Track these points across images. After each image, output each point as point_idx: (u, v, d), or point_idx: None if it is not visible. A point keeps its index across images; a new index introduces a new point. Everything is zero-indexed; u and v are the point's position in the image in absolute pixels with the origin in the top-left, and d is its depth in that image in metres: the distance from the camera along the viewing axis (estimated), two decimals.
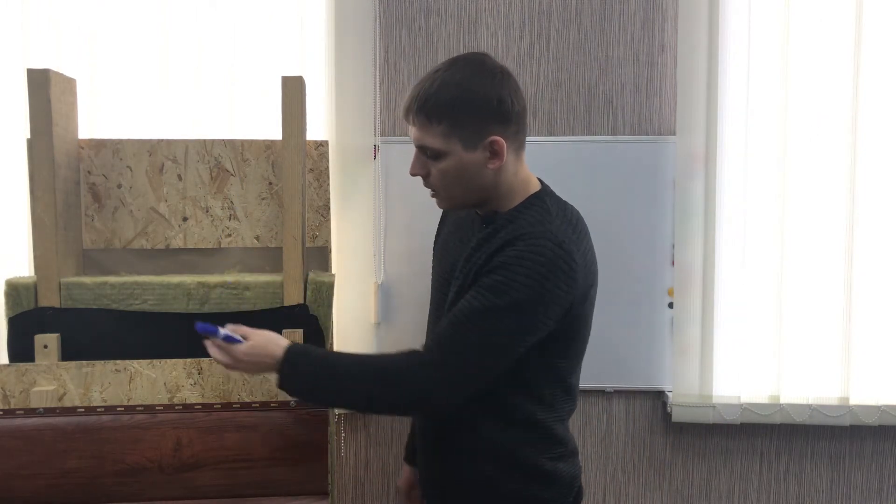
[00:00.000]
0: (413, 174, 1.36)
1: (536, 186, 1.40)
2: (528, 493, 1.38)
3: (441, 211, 1.59)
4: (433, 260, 1.57)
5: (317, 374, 1.29)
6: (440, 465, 1.44)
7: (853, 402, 2.08)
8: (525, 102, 1.37)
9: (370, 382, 1.28)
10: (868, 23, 2.01)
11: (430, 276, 1.58)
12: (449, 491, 1.44)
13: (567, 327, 1.33)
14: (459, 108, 1.28)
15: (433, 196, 1.39)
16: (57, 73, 1.52)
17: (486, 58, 1.35)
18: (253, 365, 1.30)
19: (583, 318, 1.37)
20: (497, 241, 1.31)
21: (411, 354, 1.30)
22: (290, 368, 1.28)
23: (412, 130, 1.33)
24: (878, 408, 2.08)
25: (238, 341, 1.29)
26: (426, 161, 1.33)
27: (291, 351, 1.29)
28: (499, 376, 1.31)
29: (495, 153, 1.31)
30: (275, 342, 1.30)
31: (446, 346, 1.28)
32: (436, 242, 1.59)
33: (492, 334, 1.26)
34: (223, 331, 1.29)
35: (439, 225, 1.61)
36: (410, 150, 2.08)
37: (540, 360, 1.33)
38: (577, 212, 1.41)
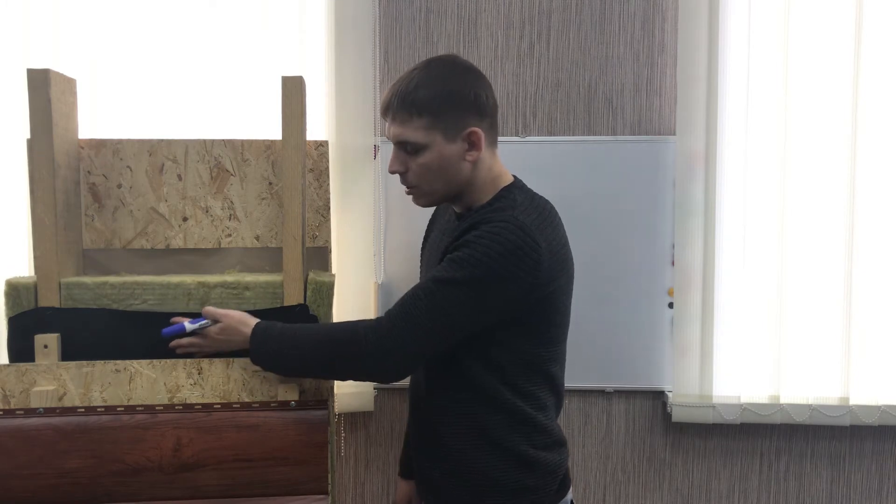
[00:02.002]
0: (392, 171, 1.40)
1: (509, 180, 1.45)
2: (511, 479, 1.41)
3: (431, 214, 1.62)
4: (420, 263, 1.62)
5: (281, 346, 1.39)
6: (430, 459, 1.47)
7: (853, 402, 2.08)
8: (496, 100, 1.43)
9: (326, 349, 1.38)
10: (868, 23, 2.01)
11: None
12: (441, 485, 1.46)
13: (534, 312, 1.36)
14: (440, 102, 1.35)
15: (410, 193, 1.44)
16: (57, 73, 1.52)
17: (457, 57, 1.44)
18: (225, 343, 1.45)
19: (553, 304, 1.39)
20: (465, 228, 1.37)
21: (363, 321, 1.38)
22: (257, 344, 1.40)
23: (391, 128, 1.38)
24: (878, 408, 2.08)
25: (206, 323, 1.45)
26: (405, 157, 1.38)
27: (258, 327, 1.41)
28: (481, 366, 1.37)
29: (473, 144, 1.37)
30: (244, 322, 1.43)
31: (397, 312, 1.34)
32: (423, 247, 1.63)
33: (443, 304, 1.31)
34: (189, 325, 1.45)
35: (427, 230, 1.65)
36: None
37: (513, 347, 1.37)
38: (550, 205, 1.45)
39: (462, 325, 1.33)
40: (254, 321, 1.43)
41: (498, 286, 1.30)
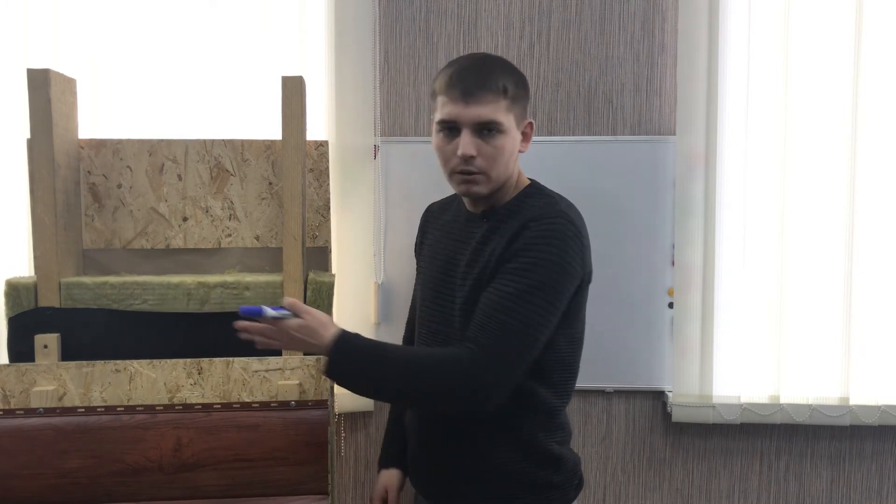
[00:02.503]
0: (469, 154, 1.34)
1: (526, 181, 1.47)
2: (540, 478, 1.42)
3: (418, 219, 1.62)
4: (420, 265, 1.60)
5: (364, 364, 1.31)
6: (455, 461, 1.44)
7: (853, 402, 2.08)
8: None
9: (419, 377, 1.31)
10: (868, 23, 2.01)
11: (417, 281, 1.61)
12: (461, 485, 1.44)
13: (571, 307, 1.38)
14: (519, 88, 1.39)
15: (468, 180, 1.37)
16: (57, 73, 1.52)
17: None
18: (300, 343, 1.31)
19: (584, 300, 1.43)
20: (508, 228, 1.36)
21: (458, 349, 1.31)
22: (338, 356, 1.30)
23: (471, 109, 1.33)
24: (878, 408, 2.08)
25: (287, 314, 1.30)
26: (478, 141, 1.35)
27: (342, 338, 1.31)
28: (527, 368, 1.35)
29: (525, 136, 1.42)
30: (326, 325, 1.32)
31: (489, 336, 1.30)
32: (419, 251, 1.61)
33: (529, 316, 1.30)
34: (269, 311, 1.29)
35: (419, 234, 1.63)
36: (411, 151, 2.10)
37: (554, 345, 1.38)
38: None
39: (547, 331, 1.33)
40: (335, 328, 1.32)
41: (568, 284, 1.34)
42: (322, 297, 1.57)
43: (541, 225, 1.33)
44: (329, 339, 1.30)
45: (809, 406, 2.09)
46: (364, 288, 2.07)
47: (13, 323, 1.50)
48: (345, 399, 2.06)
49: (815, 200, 2.06)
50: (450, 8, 2.09)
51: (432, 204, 1.66)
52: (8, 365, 1.45)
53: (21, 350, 1.49)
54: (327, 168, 1.70)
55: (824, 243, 2.07)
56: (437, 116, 1.39)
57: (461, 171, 1.37)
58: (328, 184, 1.71)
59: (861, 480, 2.18)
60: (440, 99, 1.38)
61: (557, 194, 1.45)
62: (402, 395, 1.38)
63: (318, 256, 1.71)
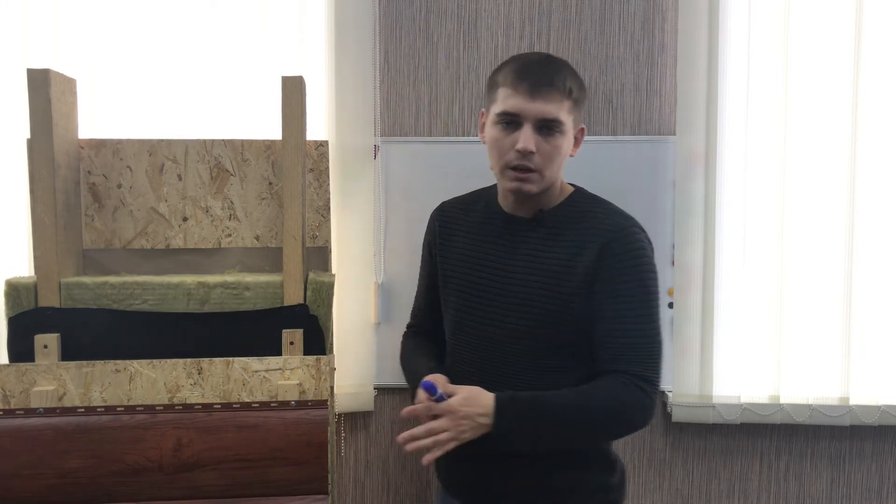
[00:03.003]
0: (529, 149, 1.35)
1: (571, 188, 1.51)
2: (597, 479, 1.46)
3: (427, 220, 1.62)
4: (447, 267, 1.55)
5: (534, 420, 1.34)
6: (516, 468, 1.43)
7: (853, 402, 2.08)
8: None
9: (599, 420, 1.37)
10: (868, 23, 2.01)
11: (432, 280, 1.60)
12: (528, 493, 1.44)
13: None
14: (581, 92, 1.42)
15: (522, 177, 1.39)
16: (57, 73, 1.52)
17: None
18: (466, 419, 1.32)
19: None
20: (573, 238, 1.42)
21: (626, 384, 1.36)
22: (507, 415, 1.33)
23: (535, 104, 1.35)
24: (878, 408, 2.08)
25: (443, 396, 1.35)
26: (538, 138, 1.37)
27: (502, 399, 1.34)
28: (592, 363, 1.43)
29: (577, 141, 1.45)
30: (482, 391, 1.35)
31: (651, 369, 1.39)
32: (438, 251, 1.58)
33: (657, 331, 1.42)
34: (439, 391, 1.34)
35: (436, 234, 1.59)
36: (411, 151, 2.10)
37: None
38: None
39: None
40: (489, 394, 1.35)
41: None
42: (322, 297, 1.56)
43: (628, 240, 1.41)
44: (491, 400, 1.33)
45: (809, 406, 2.09)
46: (364, 288, 2.07)
47: (13, 323, 1.50)
48: (345, 399, 2.06)
49: (815, 200, 2.06)
50: (450, 8, 2.09)
51: (445, 203, 1.64)
52: (8, 365, 1.45)
53: (21, 350, 1.49)
54: (327, 168, 1.70)
55: (824, 243, 2.07)
56: (498, 108, 1.38)
57: (516, 167, 1.37)
58: (328, 184, 1.71)
59: (861, 480, 2.18)
60: (503, 91, 1.37)
61: (603, 199, 1.52)
62: (579, 440, 1.42)
63: (318, 256, 1.71)
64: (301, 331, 1.53)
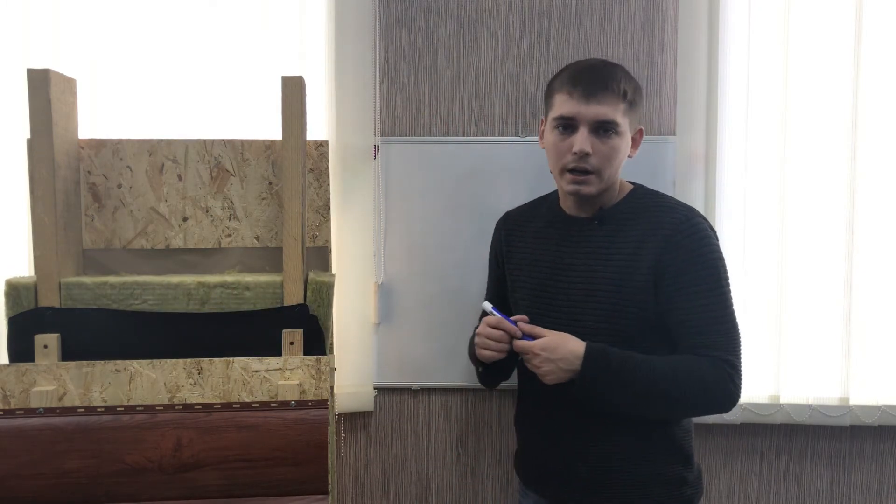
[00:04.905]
0: (585, 151, 1.40)
1: (629, 184, 1.55)
2: (679, 474, 1.50)
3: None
4: (514, 274, 1.62)
5: (623, 371, 1.38)
6: (606, 461, 1.49)
7: (853, 402, 2.08)
8: None
9: (683, 391, 1.39)
10: (868, 23, 2.01)
11: (499, 287, 1.68)
12: (611, 487, 1.48)
13: None
14: (637, 94, 1.46)
15: (579, 179, 1.43)
16: (57, 73, 1.52)
17: None
18: (547, 361, 1.40)
19: None
20: (636, 231, 1.45)
21: (713, 363, 1.40)
22: (595, 362, 1.39)
23: (591, 107, 1.40)
24: (878, 408, 2.08)
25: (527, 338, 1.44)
26: (594, 140, 1.41)
27: (592, 346, 1.40)
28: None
29: (635, 143, 1.49)
30: (569, 338, 1.42)
31: (735, 354, 1.43)
32: (509, 257, 1.64)
33: (733, 316, 1.48)
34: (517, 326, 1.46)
35: (501, 242, 1.67)
36: (411, 150, 2.10)
37: None
38: None
39: None
40: (576, 339, 1.42)
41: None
42: (322, 297, 1.56)
43: (690, 230, 1.43)
44: (580, 348, 1.39)
45: (809, 406, 2.09)
46: (364, 288, 2.07)
47: (13, 323, 1.50)
48: (345, 399, 2.06)
49: (815, 200, 2.06)
50: (450, 8, 2.09)
51: (510, 212, 1.72)
52: (8, 365, 1.45)
53: (21, 350, 1.49)
54: (327, 168, 1.70)
55: (824, 243, 2.07)
56: (555, 113, 1.44)
57: (574, 169, 1.42)
58: (328, 184, 1.71)
59: (861, 480, 2.18)
60: (559, 97, 1.43)
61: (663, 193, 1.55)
62: (661, 406, 1.43)
63: (318, 256, 1.71)
64: (301, 331, 1.53)
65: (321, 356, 1.51)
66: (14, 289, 1.51)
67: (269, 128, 1.84)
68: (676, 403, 1.42)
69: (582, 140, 1.39)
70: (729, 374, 1.40)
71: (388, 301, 2.10)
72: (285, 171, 1.55)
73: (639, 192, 1.52)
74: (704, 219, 1.48)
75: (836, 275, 2.06)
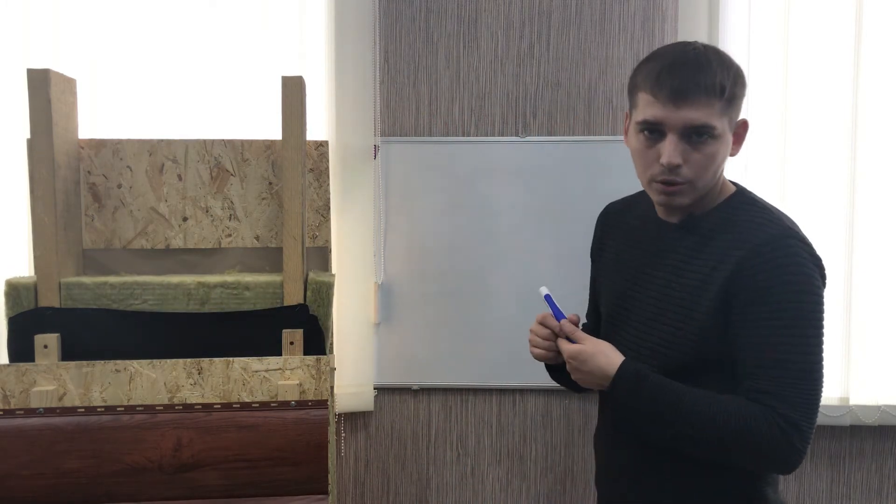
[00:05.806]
0: (674, 164, 1.18)
1: (732, 186, 1.30)
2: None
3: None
4: (602, 271, 1.45)
5: (655, 401, 1.20)
6: (654, 495, 1.30)
7: (853, 402, 2.08)
8: None
9: (724, 435, 1.16)
10: (868, 23, 2.01)
11: (595, 285, 1.50)
12: None
13: None
14: (737, 86, 1.21)
15: (669, 190, 1.21)
16: (57, 73, 1.52)
17: None
18: (583, 367, 1.26)
19: None
20: (722, 246, 1.22)
21: (767, 416, 1.15)
22: (625, 383, 1.22)
23: (679, 113, 1.17)
24: (878, 408, 2.08)
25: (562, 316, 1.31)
26: (686, 148, 1.18)
27: (627, 366, 1.23)
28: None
29: (738, 137, 1.24)
30: (610, 350, 1.26)
31: (801, 403, 1.18)
32: (600, 254, 1.47)
33: (821, 368, 1.25)
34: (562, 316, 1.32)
35: (599, 236, 1.49)
36: (411, 151, 2.10)
37: None
38: None
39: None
40: (616, 353, 1.25)
41: (822, 307, 1.29)
42: (322, 297, 1.56)
43: (773, 253, 1.18)
44: (612, 366, 1.23)
45: None
46: (364, 288, 2.07)
47: (13, 323, 1.50)
48: (345, 399, 2.06)
49: (815, 200, 2.06)
50: (450, 8, 2.09)
51: (611, 204, 1.52)
52: (8, 365, 1.45)
53: (21, 350, 1.49)
54: (327, 168, 1.70)
55: (824, 243, 2.06)
56: (639, 116, 1.21)
57: (663, 181, 1.21)
58: (328, 184, 1.71)
59: (861, 480, 2.18)
60: (643, 97, 1.20)
61: (769, 203, 1.27)
62: (693, 444, 1.20)
63: (318, 256, 1.71)
64: (301, 331, 1.53)
65: (321, 356, 1.51)
66: (14, 289, 1.51)
67: (269, 128, 1.84)
68: (709, 447, 1.19)
69: (670, 151, 1.17)
70: (783, 431, 1.14)
71: (388, 301, 2.10)
72: (285, 171, 1.55)
73: (735, 199, 1.27)
74: (804, 241, 1.22)
75: (836, 275, 2.06)
